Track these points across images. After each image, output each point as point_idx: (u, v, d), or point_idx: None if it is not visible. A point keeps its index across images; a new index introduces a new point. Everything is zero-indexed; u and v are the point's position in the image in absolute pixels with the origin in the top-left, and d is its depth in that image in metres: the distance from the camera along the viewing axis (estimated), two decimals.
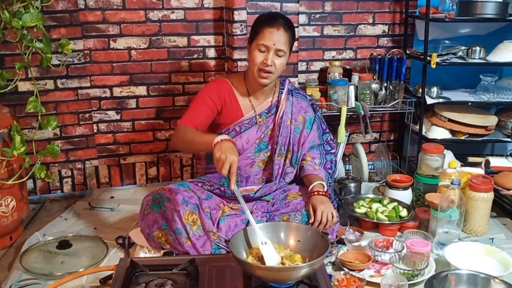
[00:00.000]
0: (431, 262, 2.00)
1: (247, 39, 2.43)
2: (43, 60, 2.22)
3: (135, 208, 2.45)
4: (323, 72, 3.06)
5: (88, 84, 2.76)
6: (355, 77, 2.97)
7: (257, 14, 2.57)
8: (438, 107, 2.95)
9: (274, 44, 2.02)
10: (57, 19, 2.60)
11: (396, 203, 2.43)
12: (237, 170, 1.72)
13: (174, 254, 2.02)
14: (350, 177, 2.78)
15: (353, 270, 1.96)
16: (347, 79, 2.90)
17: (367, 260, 2.01)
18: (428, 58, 2.78)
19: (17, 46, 2.20)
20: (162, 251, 2.07)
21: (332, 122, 2.71)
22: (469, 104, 2.92)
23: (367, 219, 2.34)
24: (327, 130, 2.41)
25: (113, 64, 2.78)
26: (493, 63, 2.85)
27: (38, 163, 2.25)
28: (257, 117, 2.21)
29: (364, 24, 3.07)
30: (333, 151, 2.37)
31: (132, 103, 2.87)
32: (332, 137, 2.43)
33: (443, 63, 2.79)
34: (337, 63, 2.93)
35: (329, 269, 2.00)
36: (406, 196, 2.55)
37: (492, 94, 2.89)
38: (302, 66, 3.04)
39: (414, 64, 3.13)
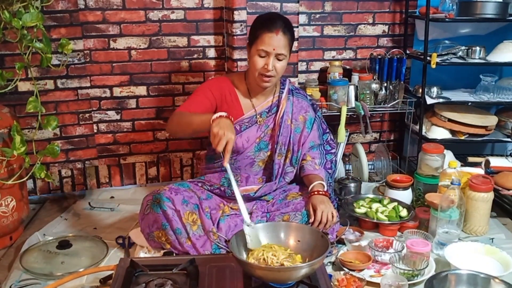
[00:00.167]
0: (431, 262, 2.00)
1: (246, 40, 2.43)
2: (43, 60, 2.22)
3: (135, 208, 2.45)
4: (323, 72, 3.06)
5: (88, 84, 2.76)
6: (355, 77, 2.97)
7: (257, 14, 2.57)
8: (438, 107, 2.95)
9: (274, 49, 2.02)
10: (57, 19, 2.60)
11: (396, 203, 2.43)
12: (236, 168, 1.71)
13: (174, 254, 2.02)
14: (350, 177, 2.78)
15: (353, 270, 1.96)
16: (347, 79, 2.90)
17: (367, 260, 2.01)
18: (428, 58, 2.78)
19: (17, 46, 2.20)
20: (162, 251, 2.06)
21: (332, 122, 2.71)
22: (469, 104, 2.92)
23: (367, 219, 2.34)
24: (327, 130, 2.41)
25: (113, 64, 2.78)
26: (493, 63, 2.85)
27: (38, 163, 2.24)
28: (258, 116, 2.21)
29: (364, 24, 3.07)
30: (333, 151, 2.37)
31: (132, 103, 2.87)
32: (332, 137, 2.43)
33: (443, 63, 2.79)
34: (337, 63, 2.93)
35: (329, 269, 2.00)
36: (406, 196, 2.55)
37: (492, 94, 2.89)
38: (302, 66, 3.04)
39: (414, 64, 3.13)
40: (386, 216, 2.33)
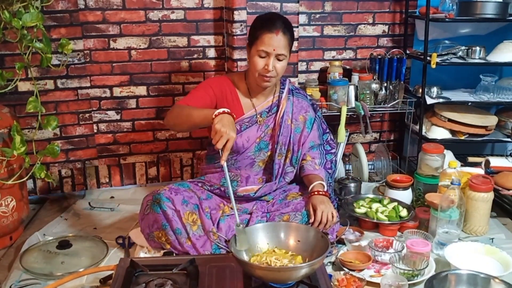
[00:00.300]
0: (431, 262, 2.00)
1: (246, 40, 2.43)
2: (43, 60, 2.22)
3: (135, 208, 2.45)
4: (323, 72, 3.06)
5: (88, 84, 2.76)
6: (355, 77, 2.97)
7: (257, 14, 2.57)
8: (438, 107, 2.95)
9: (274, 50, 2.02)
10: (57, 19, 2.60)
11: (396, 203, 2.43)
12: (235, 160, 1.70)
13: (174, 254, 2.02)
14: (350, 177, 2.78)
15: (353, 270, 1.96)
16: (347, 79, 2.90)
17: (367, 260, 2.01)
18: (428, 58, 2.78)
19: (17, 46, 2.20)
20: (162, 251, 2.06)
21: (332, 122, 2.71)
22: (469, 104, 2.92)
23: (367, 219, 2.34)
24: (327, 130, 2.42)
25: (113, 64, 2.78)
26: (493, 63, 2.85)
27: (38, 163, 2.24)
28: (258, 116, 2.21)
29: (364, 24, 3.07)
30: (333, 151, 2.38)
31: (132, 103, 2.87)
32: (332, 137, 2.43)
33: (443, 63, 2.79)
34: (337, 63, 2.93)
35: (329, 269, 2.00)
36: (406, 196, 2.55)
37: (492, 94, 2.89)
38: (302, 66, 3.04)
39: (414, 64, 3.13)
40: (386, 216, 2.33)
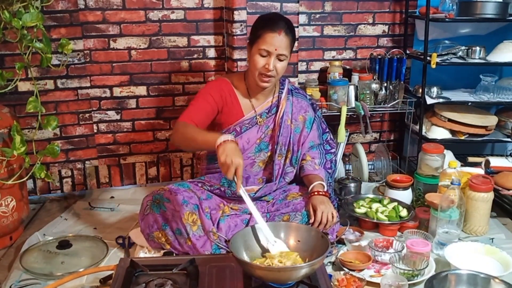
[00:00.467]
0: (431, 262, 2.00)
1: (246, 40, 2.43)
2: (43, 60, 2.22)
3: (135, 208, 2.45)
4: (323, 72, 3.06)
5: (88, 84, 2.76)
6: (355, 77, 2.97)
7: (257, 14, 2.57)
8: (438, 107, 2.95)
9: (276, 50, 2.01)
10: (57, 19, 2.60)
11: (396, 203, 2.43)
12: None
13: (174, 254, 2.02)
14: (350, 177, 2.78)
15: (353, 270, 1.96)
16: (347, 79, 2.90)
17: (367, 260, 2.01)
18: (428, 58, 2.78)
19: (17, 46, 2.20)
20: (162, 251, 2.06)
21: (332, 122, 2.71)
22: (469, 104, 2.92)
23: (367, 219, 2.34)
24: (327, 130, 2.41)
25: (113, 64, 2.78)
26: (493, 63, 2.85)
27: (38, 163, 2.25)
28: (258, 117, 2.21)
29: (364, 24, 3.07)
30: (333, 150, 2.37)
31: (132, 103, 2.87)
32: (332, 136, 2.43)
33: (443, 63, 2.79)
34: (337, 63, 2.93)
35: (329, 269, 2.00)
36: (406, 196, 2.55)
37: (492, 94, 2.89)
38: (302, 66, 3.04)
39: (414, 64, 3.13)
40: (386, 216, 2.33)
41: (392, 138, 3.32)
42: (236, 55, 2.75)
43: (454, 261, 1.96)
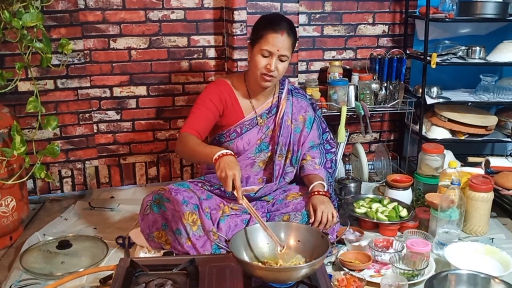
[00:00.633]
0: (431, 262, 2.00)
1: (247, 39, 2.43)
2: (43, 60, 2.22)
3: (135, 208, 2.46)
4: (323, 72, 3.06)
5: (88, 84, 2.76)
6: (355, 77, 2.97)
7: (257, 14, 2.58)
8: (438, 107, 2.95)
9: (278, 50, 2.01)
10: (57, 19, 2.60)
11: (396, 203, 2.43)
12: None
13: (174, 254, 2.01)
14: (350, 177, 2.78)
15: (353, 270, 1.96)
16: (347, 79, 2.90)
17: (367, 260, 2.01)
18: (428, 58, 2.78)
19: (17, 46, 2.20)
20: (162, 251, 2.06)
21: (332, 122, 2.71)
22: (469, 104, 2.92)
23: (367, 219, 2.34)
24: (327, 129, 2.41)
25: (113, 64, 2.78)
26: (493, 63, 2.85)
27: (38, 163, 2.25)
28: (258, 118, 2.20)
29: (364, 24, 3.07)
30: (333, 150, 2.37)
31: (132, 103, 2.87)
32: (332, 136, 2.43)
33: (443, 63, 2.79)
34: (337, 63, 2.93)
35: (329, 269, 2.00)
36: (406, 196, 2.55)
37: (492, 94, 2.89)
38: (302, 66, 3.04)
39: (414, 64, 3.13)
40: (386, 216, 2.33)
41: (392, 138, 3.32)
42: (236, 55, 2.75)
43: (454, 261, 1.96)
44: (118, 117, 2.86)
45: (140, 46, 2.79)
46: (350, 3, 3.01)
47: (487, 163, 2.71)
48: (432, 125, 2.94)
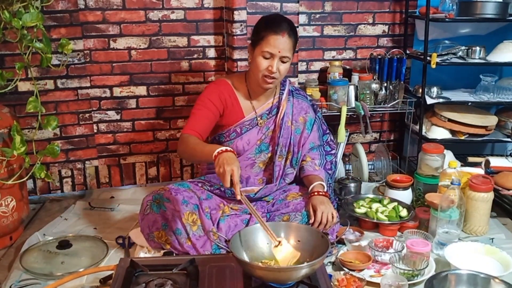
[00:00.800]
0: (431, 262, 2.00)
1: (247, 40, 2.43)
2: (43, 60, 2.22)
3: (135, 208, 2.46)
4: (323, 72, 3.06)
5: (88, 84, 2.76)
6: (355, 77, 2.97)
7: (257, 14, 2.58)
8: (438, 107, 2.95)
9: (279, 52, 2.01)
10: (57, 19, 2.60)
11: (396, 203, 2.43)
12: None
13: (174, 254, 2.02)
14: (350, 177, 2.78)
15: (353, 270, 1.96)
16: (347, 79, 2.90)
17: (367, 260, 2.01)
18: (428, 58, 2.78)
19: (17, 46, 2.20)
20: (162, 251, 2.06)
21: (332, 122, 2.71)
22: (469, 104, 2.92)
23: (367, 219, 2.34)
24: (327, 131, 2.41)
25: (113, 64, 2.78)
26: (493, 63, 2.85)
27: (38, 163, 2.25)
28: (258, 118, 2.20)
29: (364, 24, 3.07)
30: (333, 152, 2.37)
31: (132, 103, 2.87)
32: (332, 138, 2.43)
33: (443, 63, 2.79)
34: (337, 63, 2.93)
35: (329, 269, 2.00)
36: (406, 196, 2.55)
37: (492, 94, 2.89)
38: (302, 66, 3.04)
39: (414, 64, 3.14)
40: (386, 216, 2.33)
41: (392, 138, 3.32)
42: (236, 55, 2.75)
43: (454, 261, 1.96)
44: (118, 117, 2.86)
45: (140, 46, 2.79)
46: (350, 3, 3.01)
47: (487, 163, 2.71)
48: (432, 125, 2.94)
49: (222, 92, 2.15)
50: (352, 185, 2.68)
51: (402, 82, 2.96)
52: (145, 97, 2.87)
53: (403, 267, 1.95)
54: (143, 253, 2.11)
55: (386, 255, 2.02)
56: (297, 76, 2.92)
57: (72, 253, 2.14)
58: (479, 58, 2.87)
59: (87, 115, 2.80)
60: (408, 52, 3.05)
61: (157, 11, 2.76)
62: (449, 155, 2.71)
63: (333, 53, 3.08)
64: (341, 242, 2.17)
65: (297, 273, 1.52)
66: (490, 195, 2.31)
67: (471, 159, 2.89)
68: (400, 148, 3.28)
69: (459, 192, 2.15)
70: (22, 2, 2.08)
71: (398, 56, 2.94)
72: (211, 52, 2.89)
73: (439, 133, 2.90)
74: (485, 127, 2.88)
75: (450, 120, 2.88)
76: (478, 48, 2.87)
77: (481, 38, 3.07)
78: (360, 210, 2.41)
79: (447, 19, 2.77)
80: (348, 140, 2.89)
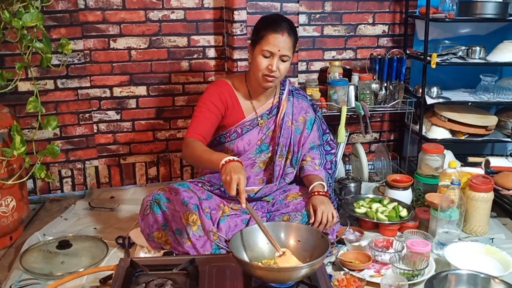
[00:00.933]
0: (431, 262, 2.00)
1: (247, 39, 2.43)
2: (43, 60, 2.22)
3: (135, 208, 2.46)
4: (323, 72, 3.06)
5: (88, 84, 2.76)
6: (355, 77, 2.97)
7: (257, 14, 2.58)
8: (438, 107, 2.95)
9: (279, 51, 2.01)
10: (57, 19, 2.60)
11: (396, 203, 2.43)
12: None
13: (174, 254, 2.02)
14: (350, 177, 2.78)
15: (353, 270, 1.96)
16: (347, 79, 2.90)
17: (367, 260, 2.01)
18: (428, 58, 2.78)
19: (17, 46, 2.20)
20: (162, 251, 2.06)
21: (332, 122, 2.71)
22: (469, 104, 2.92)
23: (367, 219, 2.34)
24: (327, 131, 2.41)
25: (113, 64, 2.79)
26: (493, 63, 2.85)
27: (38, 163, 2.25)
28: (258, 118, 2.20)
29: (364, 24, 3.07)
30: (333, 151, 2.37)
31: (132, 103, 2.87)
32: (332, 137, 2.43)
33: (443, 63, 2.79)
34: (337, 63, 2.93)
35: (329, 269, 2.00)
36: (406, 196, 2.55)
37: (492, 94, 2.89)
38: (302, 66, 3.04)
39: (414, 64, 3.14)
40: (386, 216, 2.33)
41: (392, 138, 3.32)
42: (236, 55, 2.75)
43: (454, 261, 1.96)
44: (118, 117, 2.86)
45: (140, 46, 2.79)
46: (350, 3, 3.01)
47: (487, 163, 2.71)
48: (432, 125, 2.94)
49: (222, 93, 2.15)
50: (352, 185, 2.68)
51: (402, 82, 2.96)
52: (145, 97, 2.87)
53: (403, 267, 1.95)
54: (143, 253, 2.11)
55: (386, 255, 2.02)
56: (297, 76, 2.92)
57: (72, 253, 2.14)
58: (479, 58, 2.87)
59: (87, 115, 2.80)
60: (408, 52, 3.05)
61: (157, 11, 2.76)
62: (449, 155, 2.71)
63: (333, 53, 3.08)
64: (341, 242, 2.17)
65: (297, 273, 1.52)
66: (490, 195, 2.30)
67: (471, 159, 2.89)
68: (400, 148, 3.28)
69: (459, 192, 2.15)
70: (22, 2, 2.08)
71: (398, 56, 2.94)
72: (211, 52, 2.89)
73: (439, 133, 2.90)
74: (485, 127, 2.88)
75: (450, 120, 2.88)
76: (478, 48, 2.87)
77: (481, 38, 3.07)
78: (360, 210, 2.41)
79: (447, 19, 2.77)
80: (348, 140, 2.89)
